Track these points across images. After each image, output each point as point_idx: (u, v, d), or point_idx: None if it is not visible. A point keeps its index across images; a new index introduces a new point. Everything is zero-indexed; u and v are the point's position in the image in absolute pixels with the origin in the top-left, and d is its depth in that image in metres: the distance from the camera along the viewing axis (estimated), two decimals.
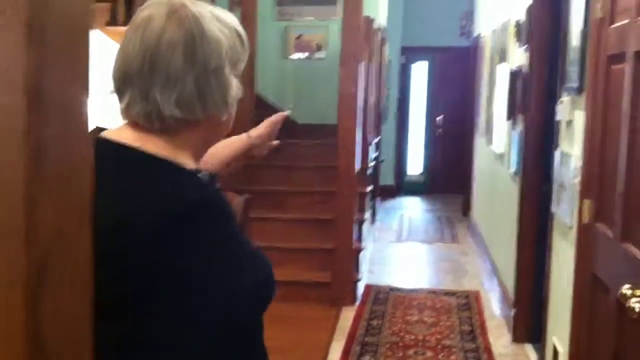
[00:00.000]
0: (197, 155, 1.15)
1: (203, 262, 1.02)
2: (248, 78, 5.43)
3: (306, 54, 6.42)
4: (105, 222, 0.95)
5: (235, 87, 1.14)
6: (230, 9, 5.29)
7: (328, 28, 6.32)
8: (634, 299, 1.77)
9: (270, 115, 1.71)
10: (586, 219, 2.53)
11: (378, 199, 8.07)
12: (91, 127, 0.75)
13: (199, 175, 1.10)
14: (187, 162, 1.10)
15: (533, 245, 3.87)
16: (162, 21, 1.07)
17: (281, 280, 4.66)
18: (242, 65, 1.17)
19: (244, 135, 1.67)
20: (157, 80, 1.06)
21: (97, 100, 2.13)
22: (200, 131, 1.12)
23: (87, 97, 0.70)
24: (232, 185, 5.21)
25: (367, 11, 5.64)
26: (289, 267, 4.91)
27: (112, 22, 5.40)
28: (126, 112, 1.10)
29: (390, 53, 8.64)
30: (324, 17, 6.17)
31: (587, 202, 2.52)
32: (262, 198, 5.33)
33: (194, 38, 1.07)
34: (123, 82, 1.09)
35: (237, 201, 2.67)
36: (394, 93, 9.27)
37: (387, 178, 9.14)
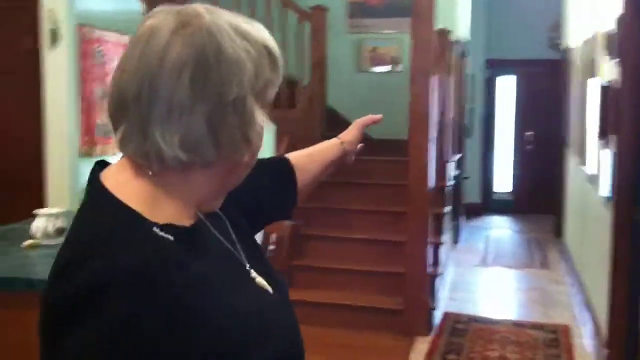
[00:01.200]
0: (206, 200, 0.92)
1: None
2: (319, 92, 5.27)
3: (381, 67, 6.16)
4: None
5: (260, 121, 0.90)
6: (300, 22, 5.14)
7: (403, 41, 6.04)
8: None
9: (343, 129, 1.52)
10: None
11: (462, 218, 7.67)
12: None
13: (160, 233, 0.83)
14: (168, 213, 0.86)
15: (629, 280, 3.44)
16: (167, 35, 0.83)
17: (348, 305, 4.38)
18: (272, 92, 0.92)
19: (336, 141, 1.43)
20: (157, 113, 0.83)
21: None
22: (212, 174, 0.89)
23: None
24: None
25: (443, 23, 5.34)
26: (357, 291, 4.68)
27: None
28: (121, 146, 0.88)
29: (474, 66, 8.24)
30: (399, 29, 5.87)
31: None
32: (329, 216, 5.13)
33: (207, 59, 0.83)
34: (118, 110, 0.86)
35: (284, 227, 2.46)
36: (478, 108, 8.84)
37: (472, 196, 8.72)
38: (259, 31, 0.91)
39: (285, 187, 1.31)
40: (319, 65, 5.23)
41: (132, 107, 0.84)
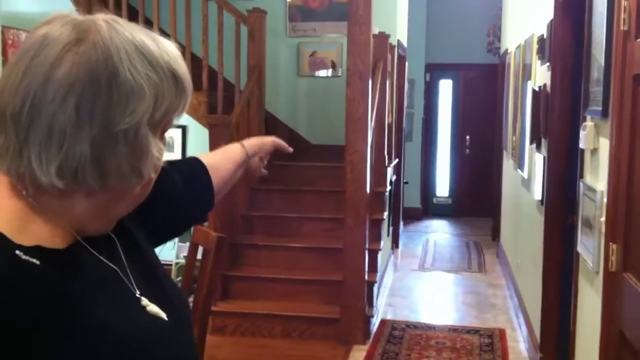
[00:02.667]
0: (89, 225, 0.83)
1: None
2: (257, 96, 5.16)
3: (321, 71, 6.07)
4: None
5: (155, 152, 0.81)
6: (237, 24, 5.02)
7: (343, 45, 5.98)
8: None
9: (282, 134, 1.45)
10: (613, 266, 2.14)
11: (401, 223, 7.68)
12: None
13: (23, 257, 0.75)
14: (38, 234, 0.78)
15: (558, 285, 3.46)
16: (58, 50, 0.75)
17: (286, 315, 4.29)
18: (174, 118, 0.84)
19: (238, 145, 1.36)
20: (36, 135, 0.75)
21: None
22: (96, 202, 0.81)
23: None
24: (237, 210, 4.91)
25: (381, 27, 5.31)
26: (295, 300, 4.59)
27: None
28: None
29: (414, 70, 8.27)
30: (339, 32, 5.79)
31: (614, 247, 2.14)
32: (267, 224, 5.02)
33: (98, 84, 0.75)
34: None
35: (210, 238, 2.36)
36: (418, 112, 8.88)
37: (413, 200, 8.75)
38: (166, 51, 0.82)
39: (201, 187, 1.24)
40: (257, 69, 5.12)
41: (11, 124, 0.76)
